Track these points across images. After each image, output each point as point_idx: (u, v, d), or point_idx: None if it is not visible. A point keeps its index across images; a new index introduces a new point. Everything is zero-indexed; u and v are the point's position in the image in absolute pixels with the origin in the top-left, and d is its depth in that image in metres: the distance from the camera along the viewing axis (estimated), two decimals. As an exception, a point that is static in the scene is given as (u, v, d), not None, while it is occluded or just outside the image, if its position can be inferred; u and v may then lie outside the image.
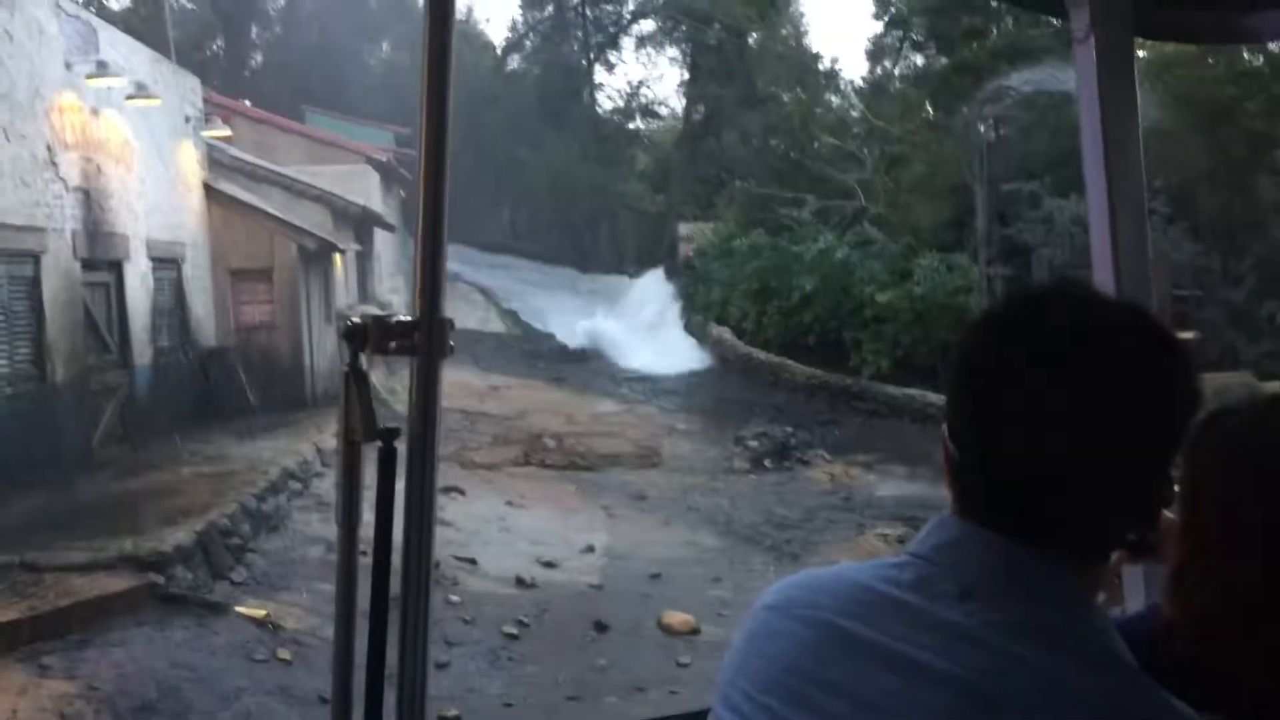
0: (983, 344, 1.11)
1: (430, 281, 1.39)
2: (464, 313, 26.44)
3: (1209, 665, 1.21)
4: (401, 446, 1.38)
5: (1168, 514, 1.26)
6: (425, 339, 1.37)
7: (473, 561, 10.93)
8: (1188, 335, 14.62)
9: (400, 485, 1.38)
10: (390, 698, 1.38)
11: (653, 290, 30.13)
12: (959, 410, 1.11)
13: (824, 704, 1.04)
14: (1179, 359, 1.07)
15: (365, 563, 1.40)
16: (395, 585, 1.39)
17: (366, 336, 1.36)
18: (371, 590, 1.37)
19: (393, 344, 1.37)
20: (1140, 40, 2.21)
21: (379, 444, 1.37)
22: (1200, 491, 1.27)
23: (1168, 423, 1.07)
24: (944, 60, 24.62)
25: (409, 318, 1.38)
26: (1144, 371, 1.05)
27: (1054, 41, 21.21)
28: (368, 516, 1.39)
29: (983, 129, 20.80)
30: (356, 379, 1.38)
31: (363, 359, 1.39)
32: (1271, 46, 18.67)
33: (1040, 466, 1.03)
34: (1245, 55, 19.23)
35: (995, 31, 23.45)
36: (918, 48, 28.16)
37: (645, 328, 27.71)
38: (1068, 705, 0.96)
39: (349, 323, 1.36)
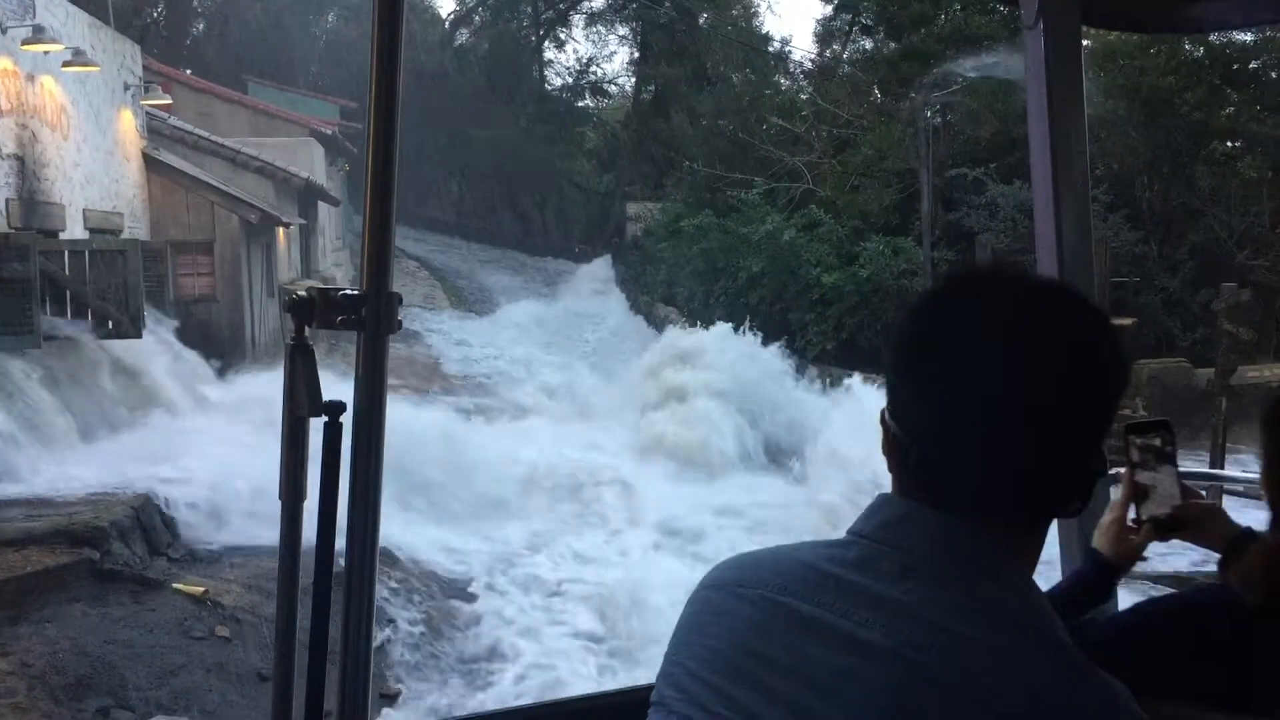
0: (920, 324, 1.13)
1: (377, 256, 1.37)
2: (409, 289, 26.20)
3: None
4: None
5: (1212, 504, 1.35)
6: (373, 314, 1.35)
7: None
8: (1126, 321, 14.91)
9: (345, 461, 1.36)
10: (332, 676, 1.37)
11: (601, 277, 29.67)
12: (897, 389, 1.14)
13: (768, 680, 1.05)
14: (1107, 336, 1.10)
15: (308, 541, 1.38)
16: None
17: (313, 310, 1.34)
18: (315, 567, 1.36)
19: (339, 318, 1.35)
20: (1086, 29, 2.23)
21: (324, 419, 1.36)
22: (1275, 466, 1.36)
23: (1098, 399, 1.09)
24: (892, 45, 24.75)
25: (356, 291, 1.37)
26: (1074, 350, 1.07)
27: (1000, 29, 21.43)
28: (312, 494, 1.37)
29: (929, 114, 20.97)
30: (301, 353, 1.36)
31: (308, 333, 1.37)
32: (1212, 38, 19.02)
33: (975, 444, 1.06)
34: (1186, 46, 19.55)
35: (943, 18, 23.63)
36: (867, 32, 28.26)
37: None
38: (1003, 679, 0.97)
39: (295, 296, 1.34)
